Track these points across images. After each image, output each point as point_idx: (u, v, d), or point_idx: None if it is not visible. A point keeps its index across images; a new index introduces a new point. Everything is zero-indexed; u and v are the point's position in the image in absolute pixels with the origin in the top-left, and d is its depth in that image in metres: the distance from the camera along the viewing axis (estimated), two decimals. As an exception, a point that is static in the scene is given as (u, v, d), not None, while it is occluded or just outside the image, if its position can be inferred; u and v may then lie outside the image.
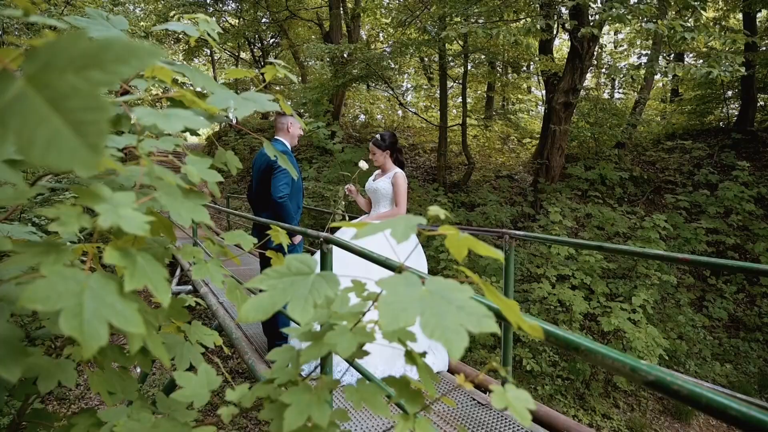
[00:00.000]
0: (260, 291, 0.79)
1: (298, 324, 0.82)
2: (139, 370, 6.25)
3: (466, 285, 0.68)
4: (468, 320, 0.61)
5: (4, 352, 0.64)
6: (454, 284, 0.67)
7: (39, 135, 0.42)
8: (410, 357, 0.85)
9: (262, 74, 1.12)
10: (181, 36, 21.65)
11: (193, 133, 0.92)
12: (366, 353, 0.86)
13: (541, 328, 0.77)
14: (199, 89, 0.96)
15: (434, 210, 0.72)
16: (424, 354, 0.86)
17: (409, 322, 0.60)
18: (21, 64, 0.46)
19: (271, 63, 1.12)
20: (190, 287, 7.01)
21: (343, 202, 4.28)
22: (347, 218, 4.34)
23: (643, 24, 7.97)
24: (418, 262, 3.85)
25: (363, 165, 3.93)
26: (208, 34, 1.24)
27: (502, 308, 0.73)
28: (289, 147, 3.96)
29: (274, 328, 3.93)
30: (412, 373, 3.31)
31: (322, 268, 2.74)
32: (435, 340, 0.59)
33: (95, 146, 0.44)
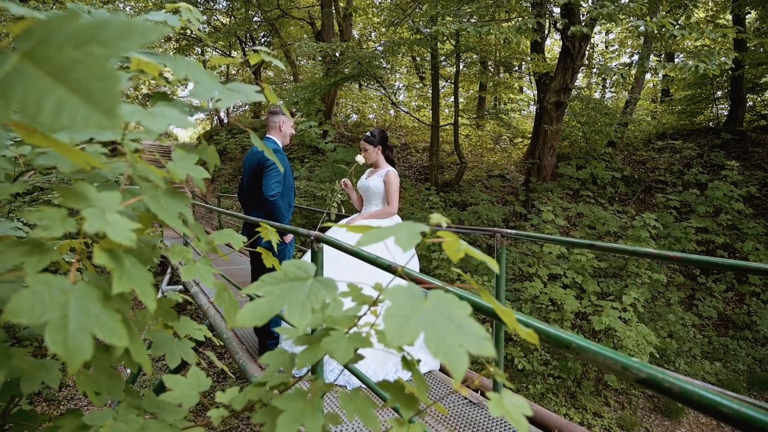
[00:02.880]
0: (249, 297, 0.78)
1: (290, 325, 0.81)
2: (129, 371, 6.21)
3: (464, 302, 0.67)
4: (467, 341, 0.62)
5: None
6: (454, 300, 0.67)
7: (46, 103, 0.43)
8: (407, 363, 0.84)
9: (248, 61, 1.11)
10: (171, 35, 21.52)
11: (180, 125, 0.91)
12: (361, 357, 0.86)
13: (537, 335, 0.77)
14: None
15: (436, 218, 0.71)
16: (418, 361, 0.86)
17: (413, 338, 0.60)
18: (13, 42, 0.47)
19: (256, 50, 1.10)
20: (180, 287, 6.97)
21: (339, 196, 4.26)
22: (343, 210, 4.33)
23: (633, 20, 8.00)
24: (410, 261, 3.84)
25: (360, 159, 3.93)
26: (199, 29, 1.22)
27: (499, 313, 0.73)
28: (280, 145, 3.94)
29: (266, 329, 3.91)
30: (404, 373, 3.31)
31: (314, 267, 2.72)
32: (439, 359, 0.60)
33: (110, 111, 0.45)
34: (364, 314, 0.84)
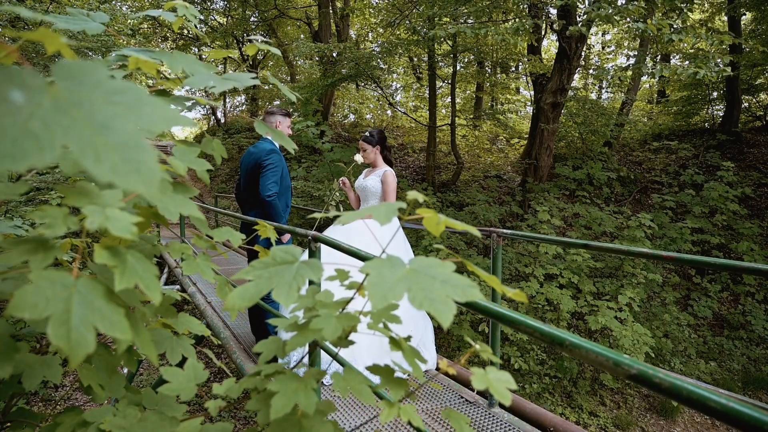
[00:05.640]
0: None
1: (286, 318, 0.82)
2: (126, 370, 6.20)
3: (448, 262, 0.69)
4: (453, 291, 0.63)
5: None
6: (436, 261, 0.69)
7: (89, 148, 0.44)
8: (395, 343, 0.85)
9: (245, 56, 1.12)
10: (168, 34, 21.49)
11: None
12: (351, 342, 0.87)
13: (524, 294, 0.79)
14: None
15: (413, 195, 0.73)
16: (408, 338, 0.87)
17: (397, 298, 0.62)
18: (53, 72, 0.49)
19: (251, 40, 1.11)
20: (178, 287, 6.97)
21: (337, 195, 4.27)
22: (341, 209, 4.34)
23: (631, 24, 8.03)
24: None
25: (358, 158, 3.93)
26: (196, 27, 1.24)
27: (484, 280, 0.75)
28: (277, 146, 3.95)
29: (263, 327, 3.92)
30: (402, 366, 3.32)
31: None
32: (424, 310, 0.61)
33: (149, 181, 0.46)
34: (353, 297, 0.85)
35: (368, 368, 0.90)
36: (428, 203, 0.75)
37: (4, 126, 0.42)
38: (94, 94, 0.48)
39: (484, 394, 3.32)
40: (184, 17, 1.10)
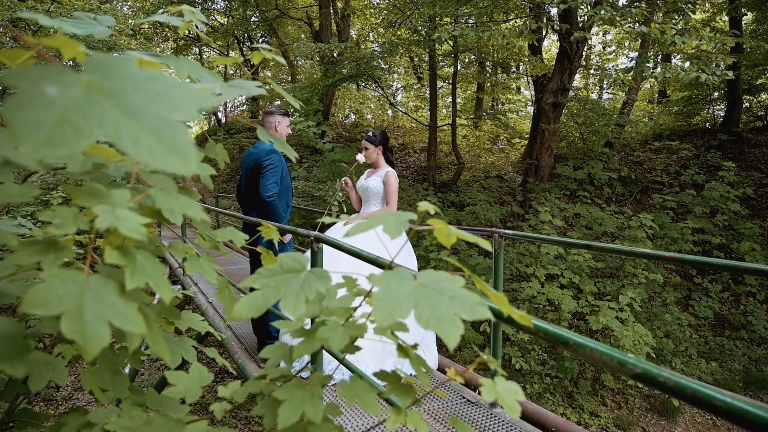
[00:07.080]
0: (250, 290, 0.79)
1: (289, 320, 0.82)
2: (127, 369, 6.20)
3: (457, 276, 0.69)
4: (461, 309, 0.62)
5: (8, 349, 0.64)
6: (445, 276, 0.68)
7: (123, 134, 0.47)
8: (402, 350, 0.85)
9: (248, 61, 1.12)
10: (169, 34, 21.49)
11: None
12: (357, 348, 0.87)
13: (530, 317, 0.78)
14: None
15: (424, 206, 0.72)
16: (415, 346, 0.87)
17: (404, 316, 0.61)
18: (84, 67, 0.52)
19: (255, 48, 1.11)
20: (179, 287, 6.97)
21: (340, 195, 4.28)
22: (345, 209, 4.35)
23: (634, 26, 8.03)
24: (408, 261, 3.86)
25: (360, 158, 3.93)
26: (198, 28, 1.24)
27: (491, 298, 0.74)
28: (277, 146, 3.95)
29: (265, 328, 3.92)
30: (404, 369, 3.32)
31: (313, 266, 2.73)
32: (430, 330, 0.60)
33: (186, 158, 0.49)
34: (360, 305, 0.85)
35: (375, 374, 0.89)
36: (439, 214, 0.75)
37: (41, 118, 0.44)
38: (124, 84, 0.51)
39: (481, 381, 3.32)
40: (191, 23, 1.10)
